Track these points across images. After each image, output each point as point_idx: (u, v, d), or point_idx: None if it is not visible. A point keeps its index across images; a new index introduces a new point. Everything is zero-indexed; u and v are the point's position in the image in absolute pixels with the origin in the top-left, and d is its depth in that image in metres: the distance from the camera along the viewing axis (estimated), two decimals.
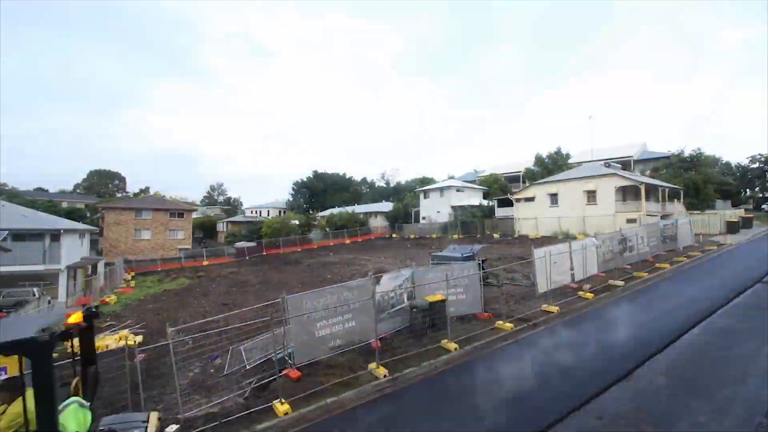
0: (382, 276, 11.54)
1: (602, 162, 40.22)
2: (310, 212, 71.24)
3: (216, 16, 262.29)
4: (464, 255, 16.85)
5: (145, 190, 79.70)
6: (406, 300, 11.70)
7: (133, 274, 34.15)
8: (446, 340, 10.05)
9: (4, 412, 3.21)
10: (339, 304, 10.06)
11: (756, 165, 50.66)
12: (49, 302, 20.08)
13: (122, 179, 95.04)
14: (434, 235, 45.04)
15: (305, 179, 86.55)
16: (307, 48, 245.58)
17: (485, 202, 48.43)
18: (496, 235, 37.75)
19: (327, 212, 67.60)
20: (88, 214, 62.97)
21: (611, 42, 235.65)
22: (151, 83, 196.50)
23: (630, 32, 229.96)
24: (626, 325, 10.85)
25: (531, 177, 48.51)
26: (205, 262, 41.13)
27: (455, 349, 9.76)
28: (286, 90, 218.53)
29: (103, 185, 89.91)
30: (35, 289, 21.23)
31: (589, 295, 13.71)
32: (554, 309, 12.33)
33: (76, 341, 4.11)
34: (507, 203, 41.05)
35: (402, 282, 11.87)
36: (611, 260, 16.95)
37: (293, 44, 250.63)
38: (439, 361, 9.28)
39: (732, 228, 28.69)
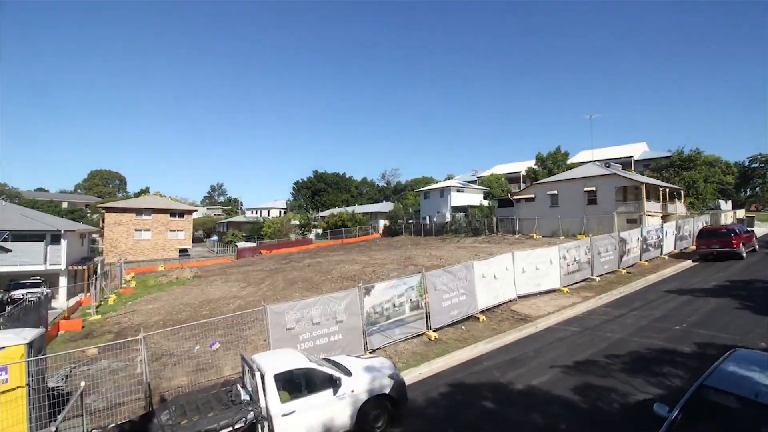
0: (374, 286, 10.98)
1: (602, 162, 40.18)
2: (311, 212, 71.22)
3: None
4: None
5: (146, 190, 79.71)
6: (408, 311, 11.26)
7: (133, 274, 34.16)
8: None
9: None
10: (324, 317, 9.65)
11: (756, 165, 50.58)
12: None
13: (123, 179, 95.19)
14: (435, 237, 45.05)
15: (306, 179, 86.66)
16: (309, 48, 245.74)
17: (485, 203, 48.41)
18: (496, 237, 37.69)
19: (327, 212, 67.62)
20: (89, 214, 63.03)
21: (612, 41, 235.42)
22: (152, 82, 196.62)
23: (630, 31, 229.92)
24: None
25: (532, 177, 48.48)
26: (206, 262, 41.13)
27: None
28: (286, 90, 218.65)
29: (103, 185, 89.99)
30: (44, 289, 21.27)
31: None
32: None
33: None
34: (507, 203, 41.04)
35: (403, 291, 11.30)
36: (577, 272, 16.33)
37: (295, 46, 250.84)
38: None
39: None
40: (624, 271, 17.96)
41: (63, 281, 24.02)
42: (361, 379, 6.74)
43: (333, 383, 6.43)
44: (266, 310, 9.03)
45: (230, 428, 5.67)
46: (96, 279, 22.90)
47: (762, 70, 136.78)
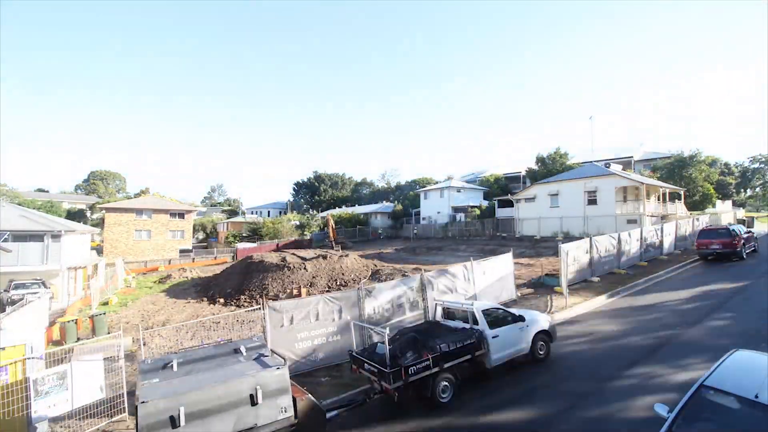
0: (374, 287, 11.09)
1: (603, 162, 40.17)
2: (310, 212, 71.18)
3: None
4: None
5: (146, 191, 79.69)
6: (408, 312, 11.39)
7: (133, 274, 34.14)
8: None
9: None
10: (323, 317, 9.85)
11: (756, 165, 50.59)
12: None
13: (122, 179, 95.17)
14: (435, 238, 45.05)
15: (306, 179, 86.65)
16: (310, 49, 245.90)
17: (485, 203, 48.42)
18: (485, 241, 37.70)
19: (327, 212, 67.57)
20: (89, 214, 63.01)
21: (612, 41, 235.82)
22: (152, 83, 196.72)
23: (631, 32, 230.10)
24: None
25: (532, 177, 48.48)
26: (206, 263, 41.10)
27: None
28: (286, 90, 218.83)
29: (104, 185, 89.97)
30: (42, 289, 21.20)
31: None
32: None
33: None
34: (508, 203, 41.02)
35: (402, 292, 11.36)
36: (576, 272, 16.32)
37: (297, 45, 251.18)
38: None
39: None
40: (623, 272, 17.95)
41: (63, 281, 23.98)
42: (532, 320, 9.38)
43: (518, 319, 9.14)
44: (265, 307, 9.08)
45: (471, 341, 8.13)
46: (96, 279, 22.88)
47: (762, 70, 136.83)
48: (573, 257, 16.24)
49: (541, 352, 9.28)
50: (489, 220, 42.22)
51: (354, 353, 8.22)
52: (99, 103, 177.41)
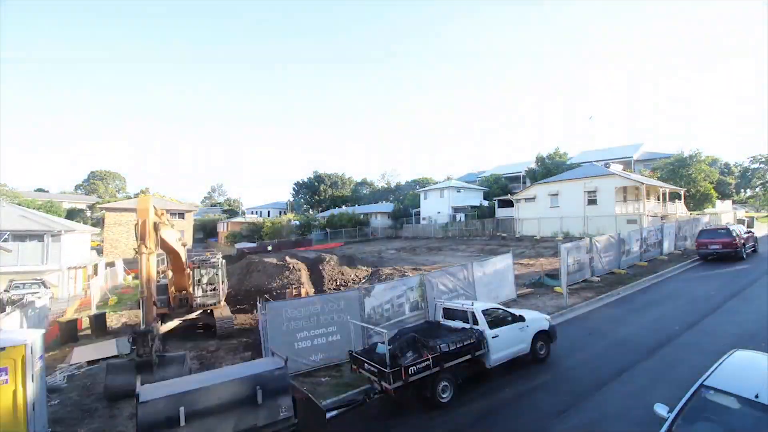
0: (374, 287, 11.18)
1: (603, 162, 40.15)
2: (311, 213, 71.14)
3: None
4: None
5: (146, 191, 79.64)
6: (408, 312, 11.42)
7: (134, 274, 34.09)
8: None
9: None
10: (323, 317, 9.82)
11: (757, 165, 50.46)
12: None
13: (122, 179, 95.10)
14: (435, 238, 45.01)
15: (306, 179, 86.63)
16: (311, 47, 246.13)
17: (485, 203, 48.41)
18: (485, 241, 37.66)
19: (327, 213, 67.57)
20: (89, 214, 62.97)
21: (612, 41, 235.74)
22: (152, 82, 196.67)
23: (631, 32, 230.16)
24: None
25: (532, 177, 48.44)
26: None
27: None
28: (287, 90, 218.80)
29: (103, 185, 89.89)
30: (42, 289, 21.20)
31: None
32: None
33: None
34: (508, 204, 40.99)
35: (402, 292, 11.43)
36: (577, 272, 16.23)
37: (297, 45, 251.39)
38: None
39: None
40: (624, 272, 17.92)
41: (62, 281, 24.01)
42: (532, 320, 9.40)
43: (518, 319, 9.16)
44: (265, 306, 9.08)
45: (471, 341, 8.13)
46: (96, 279, 22.88)
47: (762, 70, 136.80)
48: (573, 257, 16.18)
49: (541, 352, 9.26)
50: (489, 220, 42.19)
51: (354, 353, 8.22)
52: (99, 102, 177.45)
